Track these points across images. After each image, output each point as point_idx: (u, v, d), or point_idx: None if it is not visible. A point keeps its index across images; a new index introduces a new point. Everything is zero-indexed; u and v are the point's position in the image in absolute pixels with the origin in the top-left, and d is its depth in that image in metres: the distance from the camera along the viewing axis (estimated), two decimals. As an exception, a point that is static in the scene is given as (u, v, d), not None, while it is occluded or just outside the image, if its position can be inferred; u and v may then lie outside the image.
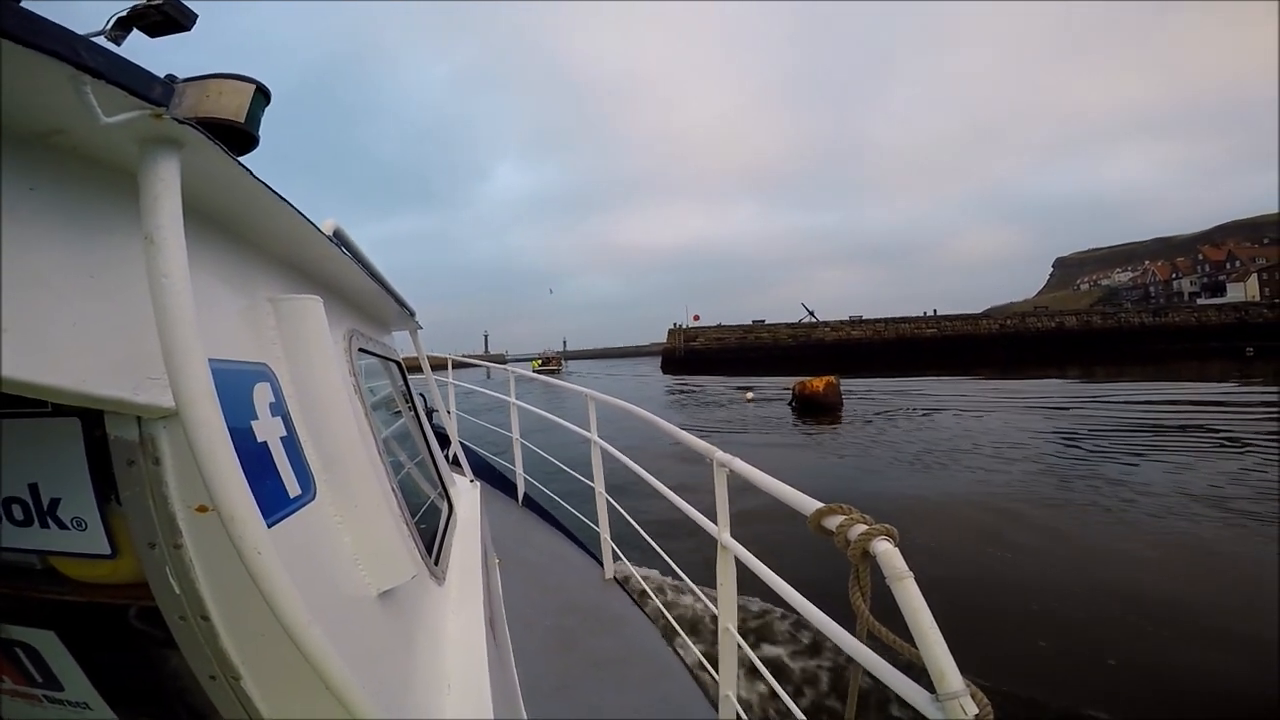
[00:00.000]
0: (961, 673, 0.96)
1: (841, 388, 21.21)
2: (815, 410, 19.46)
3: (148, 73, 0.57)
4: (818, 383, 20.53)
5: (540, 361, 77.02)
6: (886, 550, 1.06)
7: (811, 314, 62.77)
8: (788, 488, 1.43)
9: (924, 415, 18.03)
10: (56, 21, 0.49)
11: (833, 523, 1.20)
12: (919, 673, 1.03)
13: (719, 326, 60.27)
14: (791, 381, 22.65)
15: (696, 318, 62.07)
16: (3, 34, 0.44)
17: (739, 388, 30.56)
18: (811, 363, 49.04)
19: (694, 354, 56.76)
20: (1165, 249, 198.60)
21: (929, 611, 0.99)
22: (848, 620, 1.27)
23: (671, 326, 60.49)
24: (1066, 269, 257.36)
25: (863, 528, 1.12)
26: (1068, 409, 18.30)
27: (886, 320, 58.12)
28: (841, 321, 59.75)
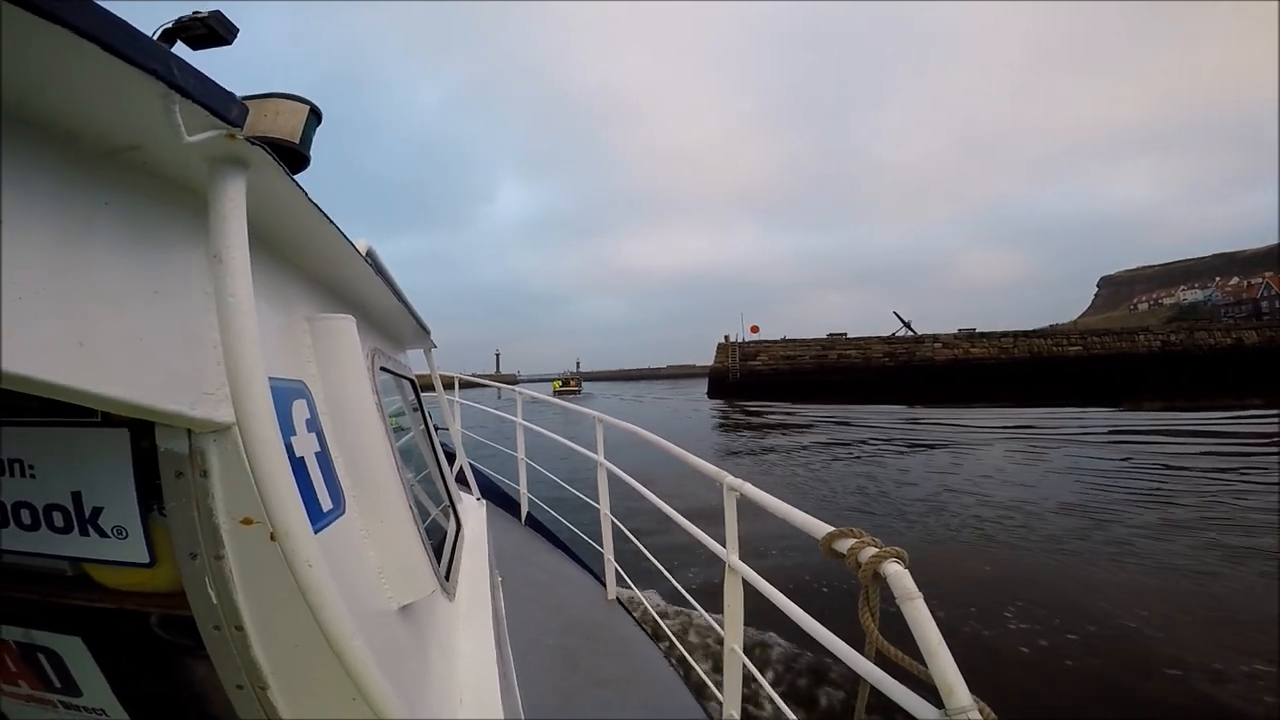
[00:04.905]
0: (970, 690, 0.97)
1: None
2: None
3: (228, 93, 0.58)
4: None
5: (560, 383, 73.33)
6: (897, 572, 1.06)
7: (908, 325, 49.14)
8: (799, 512, 1.44)
9: None
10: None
11: (844, 546, 1.21)
12: (928, 692, 1.03)
13: (786, 341, 46.66)
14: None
15: (755, 329, 48.32)
16: (107, 48, 0.44)
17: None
18: (916, 389, 35.48)
19: (753, 376, 43.20)
20: (1231, 264, 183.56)
21: (938, 630, 1.00)
22: (856, 642, 1.27)
23: (722, 340, 46.97)
24: (1114, 288, 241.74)
25: (873, 550, 1.13)
26: None
27: (1015, 334, 44.01)
28: (955, 336, 45.66)
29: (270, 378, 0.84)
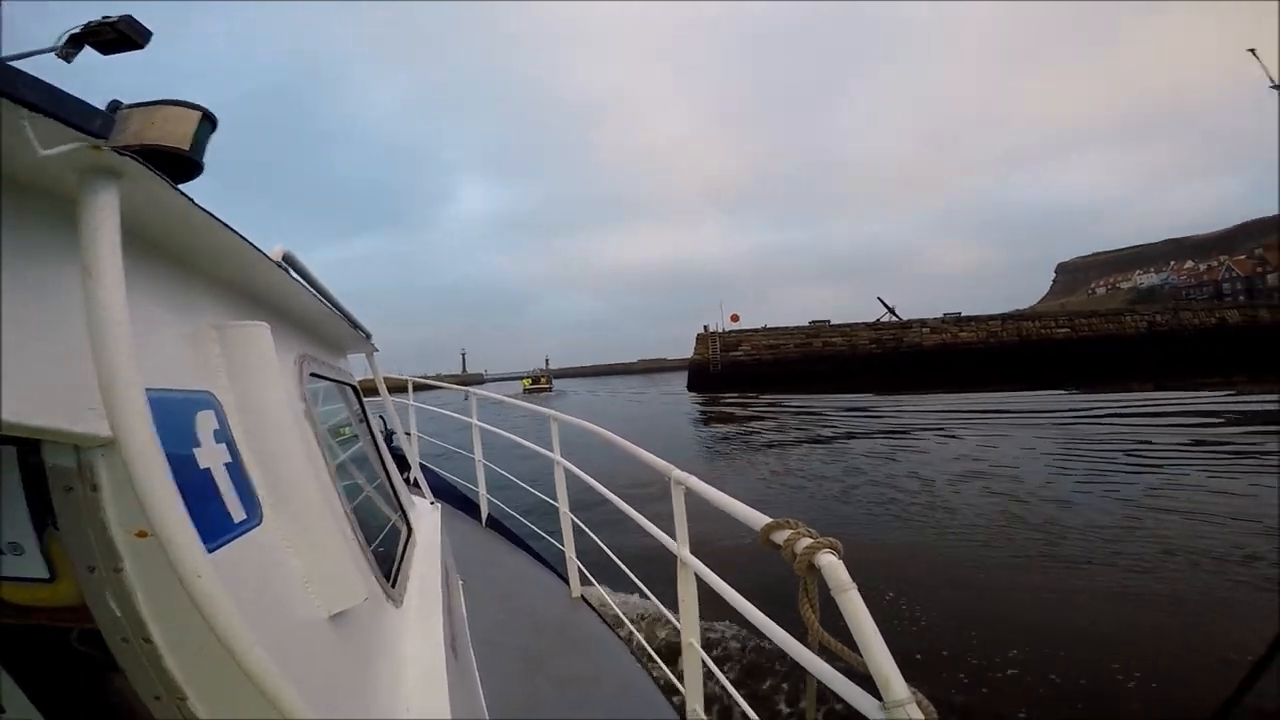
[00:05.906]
0: (908, 681, 0.96)
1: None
2: None
3: (87, 105, 0.58)
4: None
5: (530, 381, 69.92)
6: (831, 563, 1.06)
7: (892, 311, 47.19)
8: (739, 504, 1.43)
9: None
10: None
11: (780, 537, 1.19)
12: (870, 681, 1.02)
13: (767, 330, 44.23)
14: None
15: (735, 318, 45.76)
16: None
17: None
18: (904, 375, 33.54)
19: (736, 367, 40.65)
20: (1181, 250, 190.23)
21: (872, 621, 0.99)
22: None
23: (701, 331, 44.27)
24: (1070, 274, 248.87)
25: (808, 541, 1.12)
26: None
27: (1004, 317, 42.55)
28: (942, 320, 43.92)
29: (170, 389, 0.83)
